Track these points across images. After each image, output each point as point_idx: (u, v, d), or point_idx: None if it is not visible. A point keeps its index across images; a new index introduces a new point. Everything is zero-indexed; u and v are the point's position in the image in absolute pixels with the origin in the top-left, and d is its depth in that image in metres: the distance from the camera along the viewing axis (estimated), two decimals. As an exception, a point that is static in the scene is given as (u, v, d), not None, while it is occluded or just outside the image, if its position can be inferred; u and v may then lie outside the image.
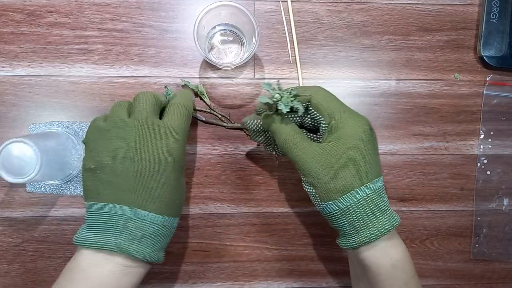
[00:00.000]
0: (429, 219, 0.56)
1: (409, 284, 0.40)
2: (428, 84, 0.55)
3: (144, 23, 0.52)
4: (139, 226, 0.38)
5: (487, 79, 0.55)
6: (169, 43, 0.53)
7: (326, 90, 0.42)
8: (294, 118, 0.42)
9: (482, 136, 0.55)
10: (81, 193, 0.51)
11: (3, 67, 0.51)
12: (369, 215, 0.38)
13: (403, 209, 0.55)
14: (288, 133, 0.40)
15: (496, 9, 0.54)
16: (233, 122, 0.52)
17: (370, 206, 0.38)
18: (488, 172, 0.56)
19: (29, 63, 0.51)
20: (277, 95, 0.40)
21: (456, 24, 0.55)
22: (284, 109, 0.39)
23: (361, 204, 0.38)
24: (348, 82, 0.54)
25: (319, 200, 0.39)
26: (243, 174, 0.53)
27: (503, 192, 0.56)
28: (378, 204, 0.39)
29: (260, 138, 0.47)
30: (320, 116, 0.41)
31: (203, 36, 0.50)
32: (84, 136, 0.42)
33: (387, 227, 0.38)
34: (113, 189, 0.38)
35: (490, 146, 0.56)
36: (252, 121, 0.45)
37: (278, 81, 0.42)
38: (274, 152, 0.47)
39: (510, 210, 0.56)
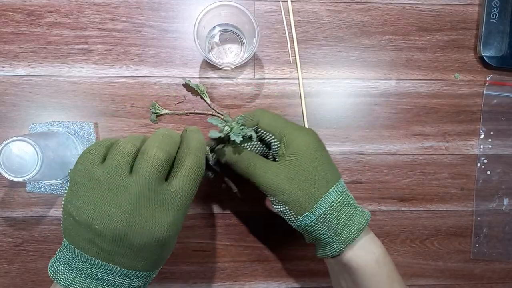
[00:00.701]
0: (429, 219, 0.56)
1: (392, 276, 0.41)
2: (428, 84, 0.55)
3: (144, 23, 0.52)
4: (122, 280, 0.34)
5: (487, 79, 0.55)
6: (169, 43, 0.53)
7: (269, 112, 0.43)
8: (247, 145, 0.43)
9: (482, 136, 0.55)
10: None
11: (3, 67, 0.51)
12: (344, 215, 0.39)
13: (403, 209, 0.55)
14: (247, 159, 0.41)
15: (496, 9, 0.54)
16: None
17: (343, 207, 0.40)
18: (488, 172, 0.56)
19: (29, 63, 0.51)
20: (227, 128, 0.41)
21: (456, 24, 0.55)
22: (237, 139, 0.40)
23: (335, 206, 0.39)
24: (348, 82, 0.54)
25: (294, 216, 0.40)
26: (243, 174, 0.53)
27: (503, 192, 0.56)
28: (349, 203, 0.40)
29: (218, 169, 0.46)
30: (271, 136, 0.42)
31: (203, 36, 0.50)
32: (72, 169, 0.35)
33: (363, 221, 0.40)
34: (96, 247, 0.33)
35: (490, 146, 0.56)
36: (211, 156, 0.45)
37: (226, 113, 0.43)
38: (230, 184, 0.48)
39: (510, 210, 0.56)
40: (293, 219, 0.40)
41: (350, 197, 0.41)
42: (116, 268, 0.33)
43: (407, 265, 0.56)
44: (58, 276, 0.34)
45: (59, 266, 0.34)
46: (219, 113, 0.52)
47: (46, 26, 0.51)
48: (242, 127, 0.41)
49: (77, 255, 0.33)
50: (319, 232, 0.40)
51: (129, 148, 0.34)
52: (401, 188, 0.55)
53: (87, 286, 0.33)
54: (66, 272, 0.34)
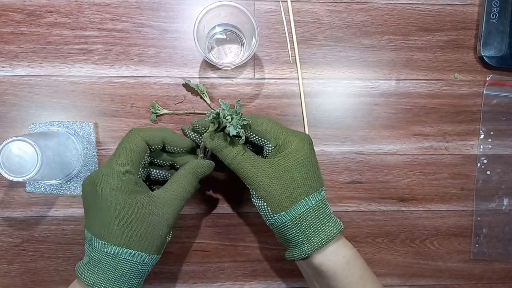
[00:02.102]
0: (429, 219, 0.55)
1: (364, 276, 0.42)
2: (428, 84, 0.55)
3: (144, 23, 0.52)
4: (88, 250, 0.39)
5: (487, 79, 0.55)
6: (169, 43, 0.53)
7: (266, 117, 0.43)
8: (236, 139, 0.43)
9: (482, 136, 0.55)
10: (81, 193, 0.51)
11: (3, 67, 0.51)
12: (318, 222, 0.41)
13: (403, 209, 0.55)
14: (237, 151, 0.41)
15: (496, 9, 0.54)
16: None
17: (318, 214, 0.41)
18: (488, 172, 0.56)
19: (29, 63, 0.51)
20: (229, 117, 0.40)
21: (456, 24, 0.55)
22: (232, 131, 0.40)
23: (311, 212, 0.41)
24: (348, 82, 0.54)
25: (270, 213, 0.41)
26: (243, 174, 0.53)
27: (503, 192, 0.56)
28: (324, 212, 0.42)
29: (198, 151, 0.46)
30: (265, 141, 0.42)
31: (203, 36, 0.50)
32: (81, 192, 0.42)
33: (335, 231, 0.41)
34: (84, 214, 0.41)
35: (490, 146, 0.56)
36: (191, 133, 0.46)
37: (238, 101, 0.42)
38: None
39: (510, 210, 0.56)
40: (268, 216, 0.41)
41: (327, 206, 0.42)
42: (88, 234, 0.39)
43: (407, 265, 0.56)
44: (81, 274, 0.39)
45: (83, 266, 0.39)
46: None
47: (46, 26, 0.51)
48: (242, 120, 0.40)
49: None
50: (291, 234, 0.41)
51: (127, 164, 0.40)
52: (401, 188, 0.55)
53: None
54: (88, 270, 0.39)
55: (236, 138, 0.42)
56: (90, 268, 0.38)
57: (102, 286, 0.37)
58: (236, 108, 0.41)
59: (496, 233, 0.56)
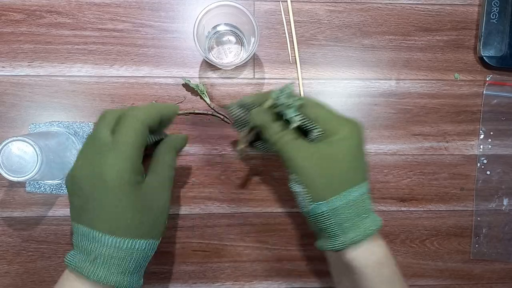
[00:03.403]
0: (429, 219, 0.56)
1: (394, 279, 0.41)
2: (428, 84, 0.55)
3: (144, 23, 0.52)
4: (91, 246, 0.36)
5: (487, 79, 0.55)
6: (169, 43, 0.53)
7: (315, 100, 0.42)
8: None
9: (482, 136, 0.55)
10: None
11: (3, 67, 0.51)
12: (356, 217, 0.39)
13: (403, 209, 0.55)
14: (284, 131, 0.40)
15: (496, 9, 0.54)
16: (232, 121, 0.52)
17: (358, 208, 0.39)
18: (488, 172, 0.56)
19: (29, 63, 0.51)
20: (291, 99, 0.39)
21: (456, 24, 0.55)
22: (291, 113, 0.39)
23: (351, 205, 0.39)
24: (348, 82, 0.54)
25: (308, 201, 0.39)
26: (243, 174, 0.53)
27: (503, 192, 0.56)
28: (365, 207, 0.40)
29: (241, 129, 0.46)
30: (314, 125, 0.41)
31: (203, 36, 0.50)
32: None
33: (373, 227, 0.39)
34: (71, 206, 0.38)
35: (490, 146, 0.56)
36: (237, 110, 0.45)
37: (290, 84, 0.41)
38: (246, 147, 0.46)
39: (510, 210, 0.56)
40: (306, 203, 0.40)
41: (368, 201, 0.41)
42: (83, 229, 0.37)
43: (407, 265, 0.56)
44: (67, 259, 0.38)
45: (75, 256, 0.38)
46: (219, 113, 0.52)
47: (46, 26, 0.51)
48: (297, 100, 0.39)
49: (75, 229, 0.38)
50: (326, 225, 0.39)
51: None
52: (401, 188, 0.55)
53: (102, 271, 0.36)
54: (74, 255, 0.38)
55: (287, 121, 0.41)
56: (98, 264, 0.36)
57: (116, 279, 0.37)
58: (289, 87, 0.40)
59: (496, 233, 0.56)
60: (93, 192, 0.36)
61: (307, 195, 0.39)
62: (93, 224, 0.36)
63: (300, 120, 0.40)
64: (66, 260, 0.38)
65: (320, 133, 0.41)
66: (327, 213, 0.39)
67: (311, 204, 0.39)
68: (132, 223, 0.37)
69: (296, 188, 0.40)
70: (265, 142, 0.45)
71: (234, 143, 0.53)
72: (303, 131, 0.43)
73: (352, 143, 0.40)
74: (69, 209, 0.52)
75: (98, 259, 0.36)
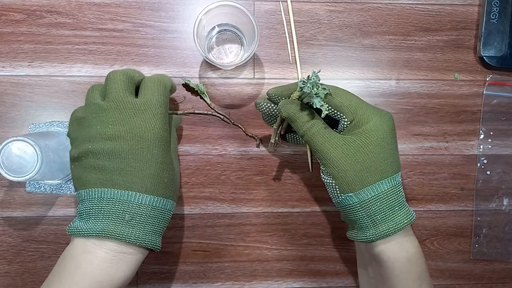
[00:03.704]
0: (429, 219, 0.56)
1: (422, 277, 0.40)
2: (428, 84, 0.55)
3: (144, 23, 0.52)
4: (126, 208, 0.37)
5: (487, 79, 0.55)
6: (169, 43, 0.53)
7: (344, 89, 0.42)
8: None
9: (482, 136, 0.55)
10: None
11: (3, 67, 0.51)
12: (387, 209, 0.39)
13: (403, 209, 0.55)
14: (312, 122, 0.40)
15: (496, 9, 0.54)
16: (232, 121, 0.52)
17: (390, 201, 0.39)
18: (488, 172, 0.56)
19: (29, 63, 0.51)
20: (316, 89, 0.39)
21: (456, 24, 0.55)
22: (318, 103, 0.38)
23: (381, 197, 0.38)
24: (348, 82, 0.54)
25: (338, 192, 0.39)
26: (243, 174, 0.53)
27: (503, 192, 0.56)
28: (397, 199, 0.39)
29: (271, 122, 0.47)
30: (341, 114, 0.41)
31: (203, 36, 0.50)
32: (67, 130, 0.42)
33: (405, 221, 0.39)
34: (97, 173, 0.38)
35: (490, 146, 0.56)
36: (265, 104, 0.45)
37: (316, 72, 0.40)
38: (279, 140, 0.46)
39: (510, 210, 0.56)
40: (335, 194, 0.40)
41: (401, 193, 0.40)
42: (116, 192, 0.37)
43: (407, 265, 0.56)
44: (71, 229, 0.38)
45: (74, 221, 0.39)
46: (219, 113, 0.52)
47: (46, 26, 0.51)
48: (326, 91, 0.39)
49: (88, 197, 0.38)
50: (356, 216, 0.39)
51: (97, 86, 0.42)
52: (401, 188, 0.55)
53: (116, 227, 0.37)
54: (79, 222, 0.38)
55: (314, 111, 0.40)
56: (133, 225, 0.37)
57: (151, 239, 0.38)
58: (314, 77, 0.39)
59: (496, 233, 0.56)
60: (134, 153, 0.38)
61: (336, 187, 0.39)
62: (131, 185, 0.37)
63: (327, 110, 0.40)
64: (78, 230, 0.37)
65: (347, 123, 0.40)
66: (356, 204, 0.39)
67: (340, 196, 0.39)
68: (168, 182, 0.39)
69: (326, 179, 0.40)
70: (296, 134, 0.45)
71: (264, 139, 0.52)
72: (334, 121, 0.42)
73: (382, 134, 0.40)
74: (69, 209, 0.52)
75: (134, 220, 0.37)
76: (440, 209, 0.56)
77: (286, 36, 0.54)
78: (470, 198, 0.56)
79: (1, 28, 0.51)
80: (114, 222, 0.36)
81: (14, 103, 0.51)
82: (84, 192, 0.38)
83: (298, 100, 0.42)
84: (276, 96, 0.44)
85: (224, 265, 0.54)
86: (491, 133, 0.55)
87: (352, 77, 0.54)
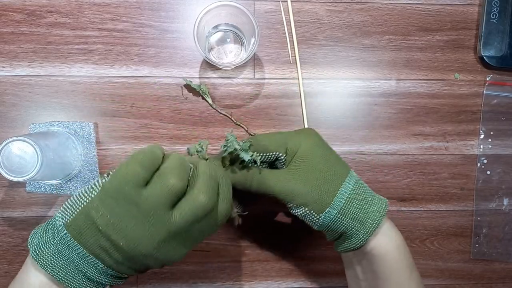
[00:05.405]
0: (429, 219, 0.55)
1: (410, 266, 0.41)
2: (428, 84, 0.55)
3: (144, 23, 0.52)
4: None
5: (487, 79, 0.55)
6: (169, 43, 0.53)
7: (262, 134, 0.43)
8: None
9: (482, 136, 0.55)
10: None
11: (3, 67, 0.51)
12: (364, 203, 0.40)
13: (403, 209, 0.55)
14: (256, 174, 0.41)
15: (496, 9, 0.54)
16: (235, 121, 0.52)
17: (360, 194, 0.40)
18: (488, 172, 0.56)
19: (29, 63, 0.51)
20: (238, 146, 0.39)
21: (456, 24, 0.55)
22: (247, 157, 0.39)
23: (353, 196, 0.40)
24: (348, 82, 0.54)
25: (316, 215, 0.40)
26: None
27: (503, 192, 0.56)
28: (365, 191, 0.41)
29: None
30: (275, 153, 0.41)
31: (203, 36, 0.50)
32: (109, 181, 0.33)
33: (383, 206, 0.40)
34: (107, 255, 0.34)
35: (490, 146, 0.56)
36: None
37: (232, 131, 0.41)
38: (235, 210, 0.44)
39: (510, 210, 0.56)
40: (315, 219, 0.40)
41: (364, 185, 0.41)
42: (112, 271, 0.35)
43: (407, 265, 0.56)
44: (44, 262, 0.34)
45: (46, 251, 0.34)
46: (222, 113, 0.52)
47: (46, 26, 0.51)
48: (248, 144, 0.40)
49: (77, 250, 0.34)
50: (344, 225, 0.39)
51: (179, 187, 0.33)
52: (401, 188, 0.55)
53: (71, 277, 0.34)
54: (55, 259, 0.34)
55: (249, 164, 0.41)
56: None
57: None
58: (230, 137, 0.40)
59: (496, 233, 0.56)
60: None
61: (311, 212, 0.40)
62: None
63: (259, 156, 0.41)
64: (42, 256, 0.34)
65: (283, 156, 0.42)
66: (337, 215, 0.39)
67: (320, 217, 0.40)
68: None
69: (298, 211, 0.40)
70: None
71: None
72: (270, 164, 0.44)
73: (318, 148, 0.41)
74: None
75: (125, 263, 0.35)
76: (440, 209, 0.56)
77: (286, 36, 0.54)
78: (470, 198, 0.56)
79: (1, 28, 0.51)
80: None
81: (14, 103, 0.51)
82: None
83: (229, 163, 0.42)
84: (215, 161, 0.43)
85: (224, 265, 0.54)
86: (491, 133, 0.55)
87: (352, 77, 0.54)
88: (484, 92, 0.55)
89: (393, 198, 0.55)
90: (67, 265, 0.34)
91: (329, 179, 0.40)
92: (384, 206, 0.40)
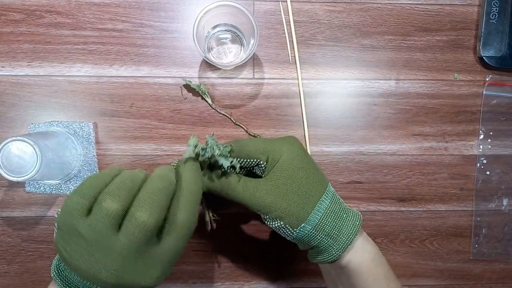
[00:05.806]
0: (428, 219, 0.56)
1: (387, 276, 0.41)
2: (427, 84, 0.55)
3: (143, 23, 0.52)
4: None
5: (487, 79, 0.55)
6: (169, 43, 0.53)
7: (245, 139, 0.43)
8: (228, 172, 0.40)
9: (481, 136, 0.55)
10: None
11: (2, 67, 0.51)
12: (338, 220, 0.39)
13: (402, 209, 0.55)
14: (233, 182, 0.39)
15: (496, 9, 0.54)
16: (234, 121, 0.52)
17: (335, 211, 0.40)
18: (488, 172, 0.56)
19: (28, 63, 0.51)
20: (217, 151, 0.38)
21: (455, 24, 0.55)
22: (226, 163, 0.38)
23: (328, 213, 0.39)
24: (348, 82, 0.54)
25: (290, 229, 0.39)
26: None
27: (502, 192, 0.56)
28: (340, 207, 0.40)
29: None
30: (256, 160, 0.41)
31: (203, 36, 0.50)
32: (59, 213, 0.33)
33: (357, 223, 0.40)
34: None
35: (489, 147, 0.56)
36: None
37: (213, 133, 0.39)
38: (208, 214, 0.44)
39: (509, 210, 0.56)
40: (289, 232, 0.40)
41: (340, 200, 0.41)
42: None
43: (407, 265, 0.56)
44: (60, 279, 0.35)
45: (63, 270, 0.35)
46: (221, 113, 0.52)
47: (45, 26, 0.51)
48: (224, 149, 0.38)
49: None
50: (317, 240, 0.39)
51: (115, 209, 0.31)
52: (401, 188, 0.55)
53: None
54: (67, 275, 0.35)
55: (228, 170, 0.39)
56: None
57: None
58: (211, 140, 0.38)
59: (495, 233, 0.56)
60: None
61: (287, 226, 0.39)
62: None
63: (240, 163, 0.40)
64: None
65: (264, 164, 0.41)
66: (312, 230, 0.39)
67: (294, 232, 0.39)
68: None
69: (274, 224, 0.40)
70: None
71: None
72: (252, 173, 0.42)
73: (298, 158, 0.40)
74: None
75: None
76: (439, 209, 0.56)
77: (285, 36, 0.54)
78: (469, 198, 0.56)
79: (0, 28, 0.51)
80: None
81: (13, 103, 0.51)
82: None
83: (207, 168, 0.40)
84: (193, 164, 0.41)
85: (224, 265, 0.54)
86: (491, 133, 0.56)
87: (351, 77, 0.54)
88: (484, 92, 0.55)
89: (392, 198, 0.55)
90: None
91: (307, 194, 0.39)
92: (358, 222, 0.40)
